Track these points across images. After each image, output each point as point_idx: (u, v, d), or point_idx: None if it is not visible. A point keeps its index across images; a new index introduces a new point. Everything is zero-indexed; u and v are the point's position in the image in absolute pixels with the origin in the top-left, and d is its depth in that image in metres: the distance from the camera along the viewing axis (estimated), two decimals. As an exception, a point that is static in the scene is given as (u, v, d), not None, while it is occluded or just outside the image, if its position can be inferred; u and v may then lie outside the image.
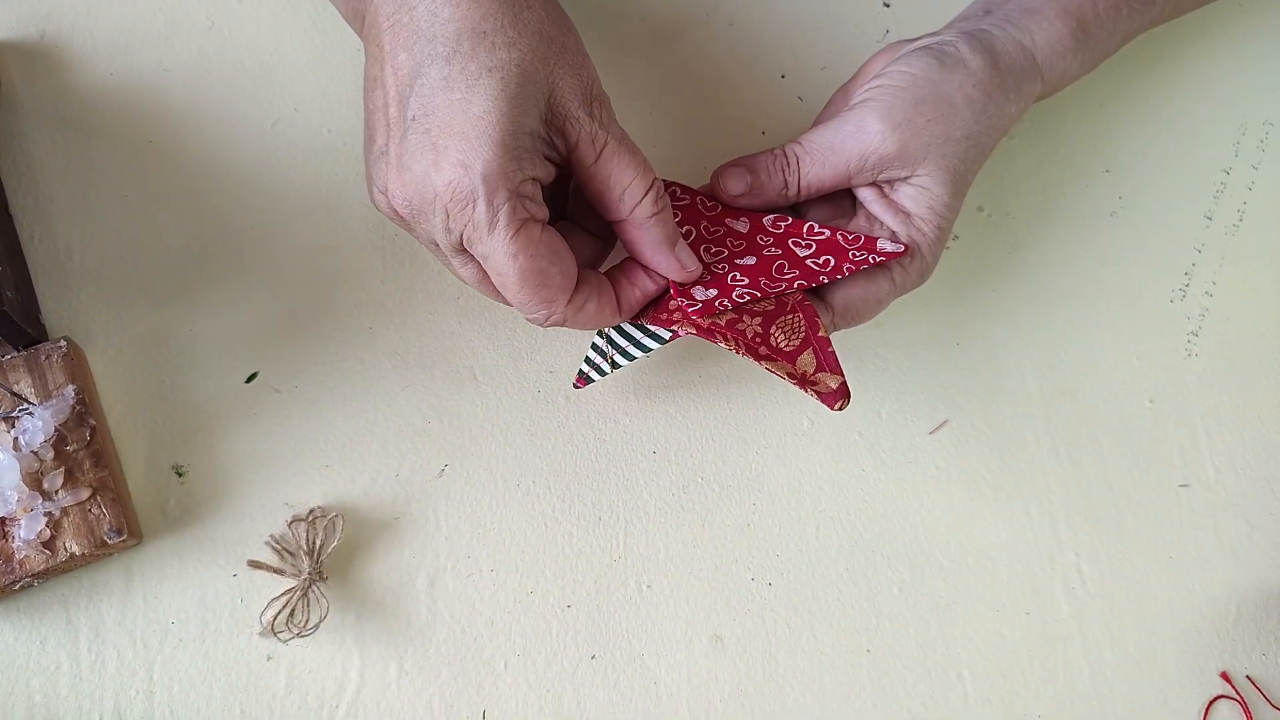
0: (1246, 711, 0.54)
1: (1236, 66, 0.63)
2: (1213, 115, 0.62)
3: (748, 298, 0.47)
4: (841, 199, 0.53)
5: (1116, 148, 0.61)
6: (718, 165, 0.52)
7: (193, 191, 0.55)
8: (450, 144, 0.41)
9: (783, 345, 0.47)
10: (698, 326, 0.47)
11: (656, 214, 0.46)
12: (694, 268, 0.48)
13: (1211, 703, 0.54)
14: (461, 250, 0.44)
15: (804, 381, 0.47)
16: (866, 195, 0.51)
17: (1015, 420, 0.57)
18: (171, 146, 0.55)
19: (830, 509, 0.55)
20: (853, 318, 0.50)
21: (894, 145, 0.49)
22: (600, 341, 0.50)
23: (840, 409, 0.46)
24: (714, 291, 0.48)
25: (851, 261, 0.49)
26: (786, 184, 0.51)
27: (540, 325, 0.46)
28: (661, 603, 0.52)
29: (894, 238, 0.50)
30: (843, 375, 0.47)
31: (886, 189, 0.51)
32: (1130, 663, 0.54)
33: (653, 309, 0.49)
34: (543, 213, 0.44)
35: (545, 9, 0.44)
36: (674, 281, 0.48)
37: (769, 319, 0.48)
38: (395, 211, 0.44)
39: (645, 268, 0.48)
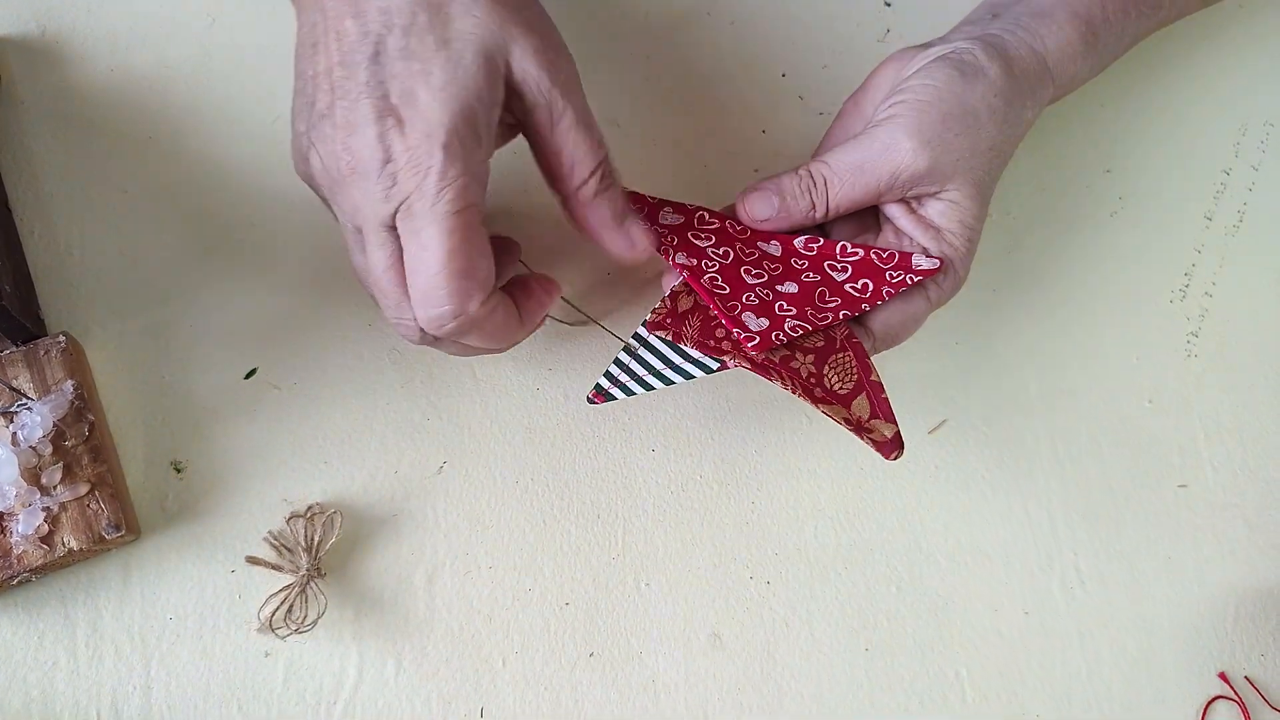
0: (1245, 712, 0.54)
1: (1237, 67, 0.63)
2: (1213, 116, 0.62)
3: (799, 331, 0.47)
4: (866, 215, 0.52)
5: (1117, 148, 0.61)
6: (719, 165, 0.52)
7: (193, 188, 0.55)
8: (412, 113, 0.40)
9: (837, 388, 0.47)
10: (753, 361, 0.46)
11: (604, 190, 0.45)
12: (644, 245, 0.47)
13: (1209, 703, 0.54)
14: (388, 227, 0.42)
15: (859, 429, 0.46)
16: (894, 211, 0.51)
17: (1014, 420, 0.57)
18: (172, 143, 0.55)
19: (829, 508, 0.54)
20: (892, 339, 0.50)
21: (925, 163, 0.48)
22: (626, 358, 0.48)
23: (895, 459, 0.45)
24: (765, 321, 0.47)
25: (890, 284, 0.48)
26: (814, 206, 0.50)
27: (434, 330, 0.43)
28: (660, 600, 0.52)
29: (926, 253, 0.49)
30: (896, 424, 0.46)
31: (915, 205, 0.50)
32: (1128, 662, 0.54)
33: (697, 333, 0.47)
34: (484, 205, 0.42)
35: None
36: (720, 306, 0.47)
37: (821, 357, 0.47)
38: (327, 174, 0.42)
39: (543, 288, 0.48)
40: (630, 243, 0.47)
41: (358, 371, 0.53)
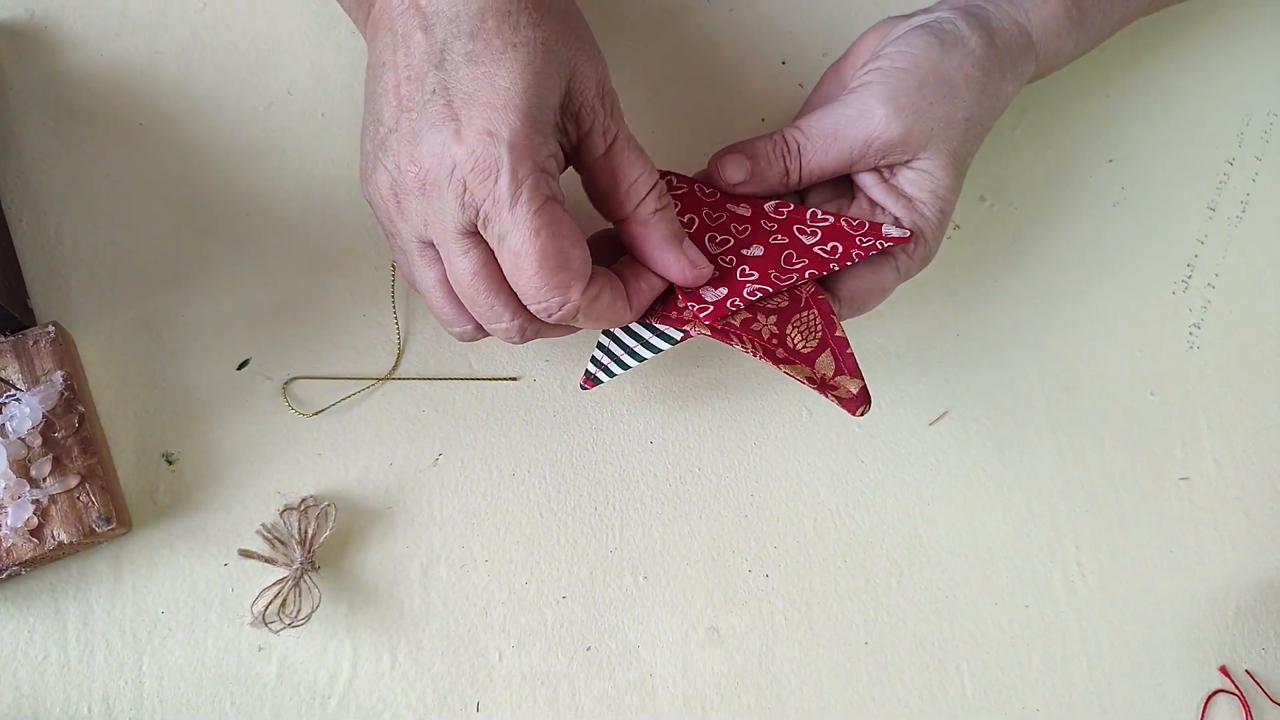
0: (1245, 706, 0.54)
1: (1240, 56, 0.63)
2: (1216, 105, 0.62)
3: (759, 294, 0.46)
4: (840, 183, 0.52)
5: (1119, 138, 0.61)
6: (716, 151, 0.51)
7: (184, 176, 0.54)
8: (474, 114, 0.40)
9: (800, 346, 0.46)
10: (711, 328, 0.46)
11: (661, 209, 0.45)
12: (705, 267, 0.46)
13: (1210, 697, 0.54)
14: (469, 234, 0.42)
15: (823, 386, 0.45)
16: (867, 180, 0.50)
17: (1016, 412, 0.56)
18: (163, 130, 0.54)
19: (828, 501, 0.54)
20: (859, 307, 0.50)
21: (898, 130, 0.48)
22: (606, 341, 0.48)
23: (861, 414, 0.45)
24: (724, 290, 0.47)
25: (859, 248, 0.48)
26: (788, 171, 0.50)
27: (548, 319, 0.43)
28: (658, 594, 0.52)
29: (897, 223, 0.49)
30: (863, 379, 0.45)
31: (887, 173, 0.50)
32: (1129, 656, 0.54)
33: (661, 308, 0.48)
34: (562, 194, 0.42)
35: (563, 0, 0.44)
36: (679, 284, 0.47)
37: (784, 317, 0.47)
38: (394, 191, 0.43)
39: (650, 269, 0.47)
40: (690, 263, 0.46)
41: (352, 362, 0.53)
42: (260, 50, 0.56)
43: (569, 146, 0.44)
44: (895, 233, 0.48)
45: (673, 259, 0.46)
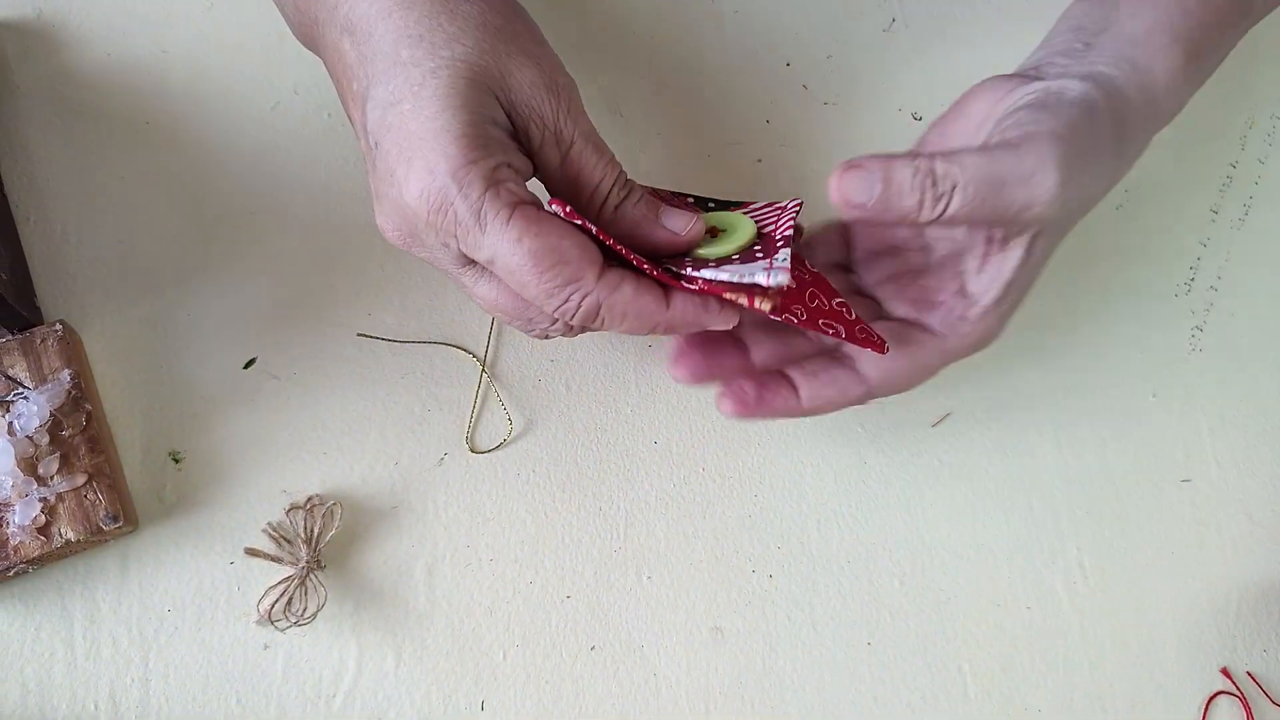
0: (1247, 707, 0.54)
1: (1244, 60, 0.62)
2: (1219, 109, 0.62)
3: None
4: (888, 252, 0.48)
5: (1123, 140, 0.61)
6: (721, 155, 0.50)
7: (191, 175, 0.54)
8: (411, 156, 0.38)
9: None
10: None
11: (625, 198, 0.43)
12: (684, 227, 0.43)
13: (1212, 698, 0.54)
14: (469, 263, 0.41)
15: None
16: (970, 241, 0.45)
17: (1018, 414, 0.56)
18: (170, 129, 0.55)
19: (832, 501, 0.54)
20: (893, 389, 0.46)
21: (1058, 209, 0.41)
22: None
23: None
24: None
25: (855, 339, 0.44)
26: (922, 207, 0.40)
27: (573, 321, 0.40)
28: (662, 594, 0.52)
29: (960, 309, 0.45)
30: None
31: (997, 247, 0.44)
32: (1131, 658, 0.54)
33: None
34: (530, 195, 0.40)
35: (486, 8, 0.41)
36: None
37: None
38: (399, 244, 0.42)
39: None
40: (670, 234, 0.43)
41: (357, 361, 0.53)
42: (267, 49, 0.56)
43: (527, 153, 0.42)
44: (875, 340, 0.44)
45: (655, 234, 0.43)
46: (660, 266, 0.42)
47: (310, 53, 0.56)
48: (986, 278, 0.45)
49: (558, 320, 0.42)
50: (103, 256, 0.52)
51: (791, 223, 0.45)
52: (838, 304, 0.45)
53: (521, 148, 0.42)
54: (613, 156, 0.43)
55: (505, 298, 0.42)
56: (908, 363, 0.46)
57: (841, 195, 0.40)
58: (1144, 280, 0.59)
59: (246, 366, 0.52)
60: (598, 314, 0.40)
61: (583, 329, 0.43)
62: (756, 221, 0.46)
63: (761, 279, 0.40)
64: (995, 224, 0.43)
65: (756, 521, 0.53)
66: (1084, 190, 0.43)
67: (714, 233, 0.45)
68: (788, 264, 0.41)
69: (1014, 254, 0.44)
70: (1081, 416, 0.57)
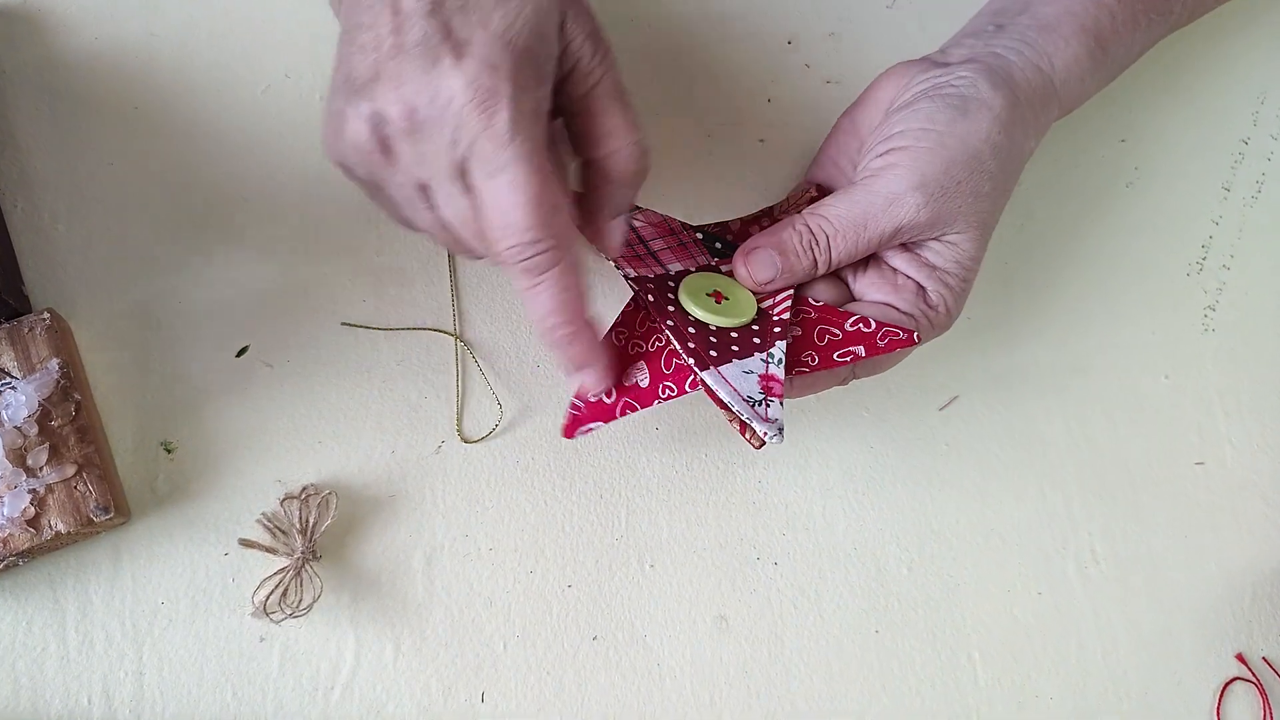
0: (1262, 693, 0.53)
1: (1255, 35, 0.62)
2: (1231, 83, 0.61)
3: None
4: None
5: (1133, 117, 0.60)
6: (722, 134, 0.50)
7: (181, 160, 0.53)
8: (473, 49, 0.39)
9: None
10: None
11: (647, 168, 0.45)
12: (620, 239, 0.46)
13: (1227, 685, 0.53)
14: (459, 175, 0.40)
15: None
16: (890, 254, 0.49)
17: (1027, 396, 0.55)
18: (159, 114, 0.54)
19: (838, 487, 0.53)
20: (872, 370, 0.49)
21: (927, 215, 0.46)
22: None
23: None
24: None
25: (875, 348, 0.47)
26: (816, 263, 0.48)
27: (523, 264, 0.41)
28: (665, 583, 0.51)
29: (921, 293, 0.48)
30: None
31: (912, 245, 0.49)
32: (1144, 644, 0.53)
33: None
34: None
35: None
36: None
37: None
38: (374, 140, 0.41)
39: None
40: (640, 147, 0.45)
41: (352, 349, 0.52)
42: (257, 33, 0.55)
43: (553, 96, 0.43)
44: (901, 335, 0.47)
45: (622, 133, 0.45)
46: (684, 344, 0.45)
47: (301, 37, 0.55)
48: (925, 270, 0.48)
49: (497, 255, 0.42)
50: (92, 244, 0.51)
51: (789, 296, 0.48)
52: (851, 325, 0.47)
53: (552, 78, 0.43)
54: (638, 116, 0.44)
55: (465, 226, 0.42)
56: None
57: (753, 278, 0.48)
58: (1155, 259, 0.58)
59: (239, 354, 0.51)
60: (546, 276, 0.41)
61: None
62: (754, 291, 0.48)
63: (758, 427, 0.43)
64: (884, 246, 0.48)
65: (761, 508, 0.53)
66: (975, 180, 0.47)
67: (718, 297, 0.47)
68: (782, 382, 0.45)
69: (936, 246, 0.48)
70: (1092, 399, 0.56)
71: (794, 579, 0.52)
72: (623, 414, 0.46)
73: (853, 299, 0.49)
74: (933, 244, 0.48)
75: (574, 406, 0.46)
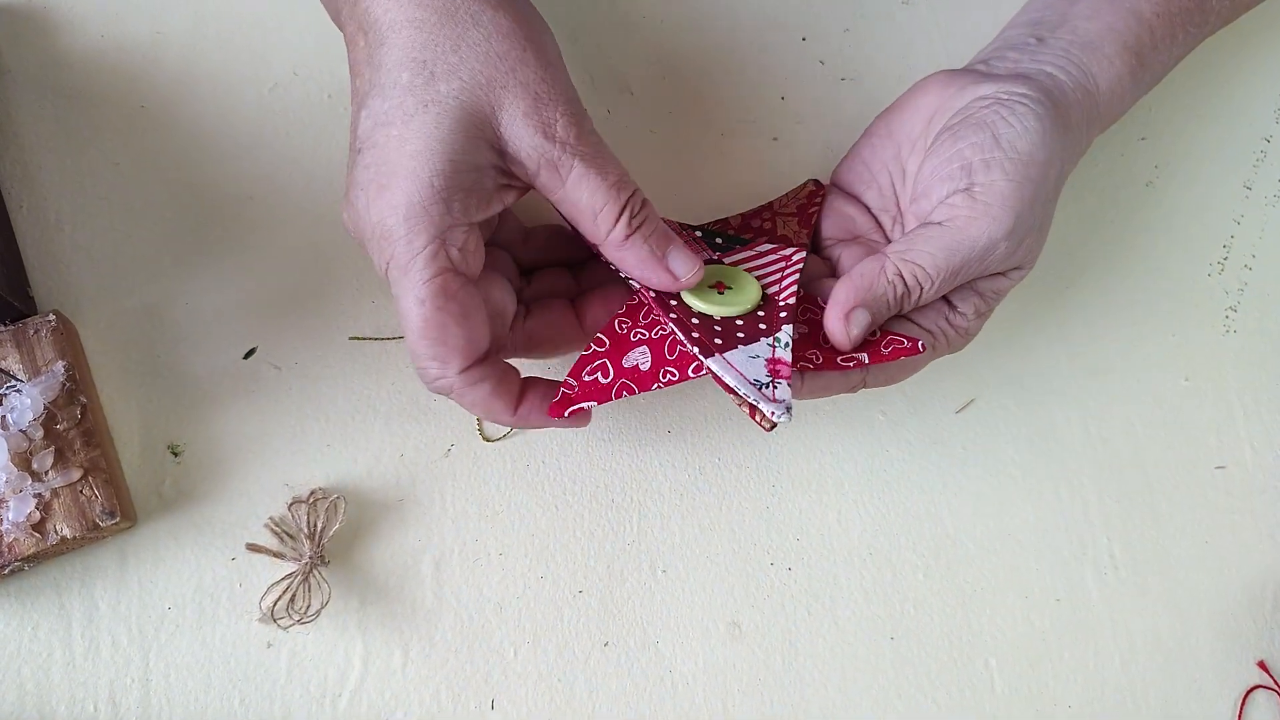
0: (1285, 702, 0.52)
1: (1277, 31, 0.61)
2: (1252, 81, 0.60)
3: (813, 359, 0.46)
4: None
5: (1153, 114, 0.59)
6: (736, 132, 0.49)
7: (188, 159, 0.52)
8: (389, 181, 0.40)
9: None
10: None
11: (635, 231, 0.42)
12: (690, 271, 0.44)
13: (1248, 693, 0.52)
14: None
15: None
16: None
17: (1045, 399, 0.55)
18: (166, 113, 0.53)
19: (852, 491, 0.52)
20: (884, 381, 0.47)
21: (1014, 261, 0.46)
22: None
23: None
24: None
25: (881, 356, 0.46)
26: (903, 306, 0.45)
27: (427, 384, 0.43)
28: (677, 588, 0.51)
29: (946, 315, 0.47)
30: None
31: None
32: (1163, 651, 0.52)
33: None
34: (470, 265, 0.41)
35: (496, 23, 0.41)
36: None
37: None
38: (357, 238, 0.43)
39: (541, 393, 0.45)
40: (673, 277, 0.44)
41: (361, 351, 0.51)
42: (265, 30, 0.54)
43: (522, 185, 0.43)
44: (905, 344, 0.45)
45: (657, 276, 0.43)
46: (687, 335, 0.44)
47: (309, 35, 0.54)
48: (974, 296, 0.47)
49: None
50: (97, 244, 0.51)
51: (795, 282, 0.47)
52: None
53: (515, 176, 0.42)
54: (622, 178, 0.42)
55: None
56: (897, 367, 0.47)
57: (850, 340, 0.44)
58: (1175, 260, 0.57)
59: (246, 356, 0.51)
60: (450, 395, 0.43)
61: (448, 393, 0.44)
62: (761, 278, 0.47)
63: (765, 408, 0.42)
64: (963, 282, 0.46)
65: (774, 513, 0.52)
66: (1044, 220, 0.46)
67: (720, 287, 0.46)
68: (789, 364, 0.43)
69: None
70: (1111, 401, 0.55)
71: (808, 585, 0.51)
72: (618, 395, 0.44)
73: None
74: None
75: (566, 385, 0.45)
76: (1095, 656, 0.52)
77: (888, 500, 0.53)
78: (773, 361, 0.44)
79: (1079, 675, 0.52)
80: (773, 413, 0.42)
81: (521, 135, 0.41)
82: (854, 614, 0.51)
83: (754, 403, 0.42)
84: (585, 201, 0.42)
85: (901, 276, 0.44)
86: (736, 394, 0.43)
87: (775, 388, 0.43)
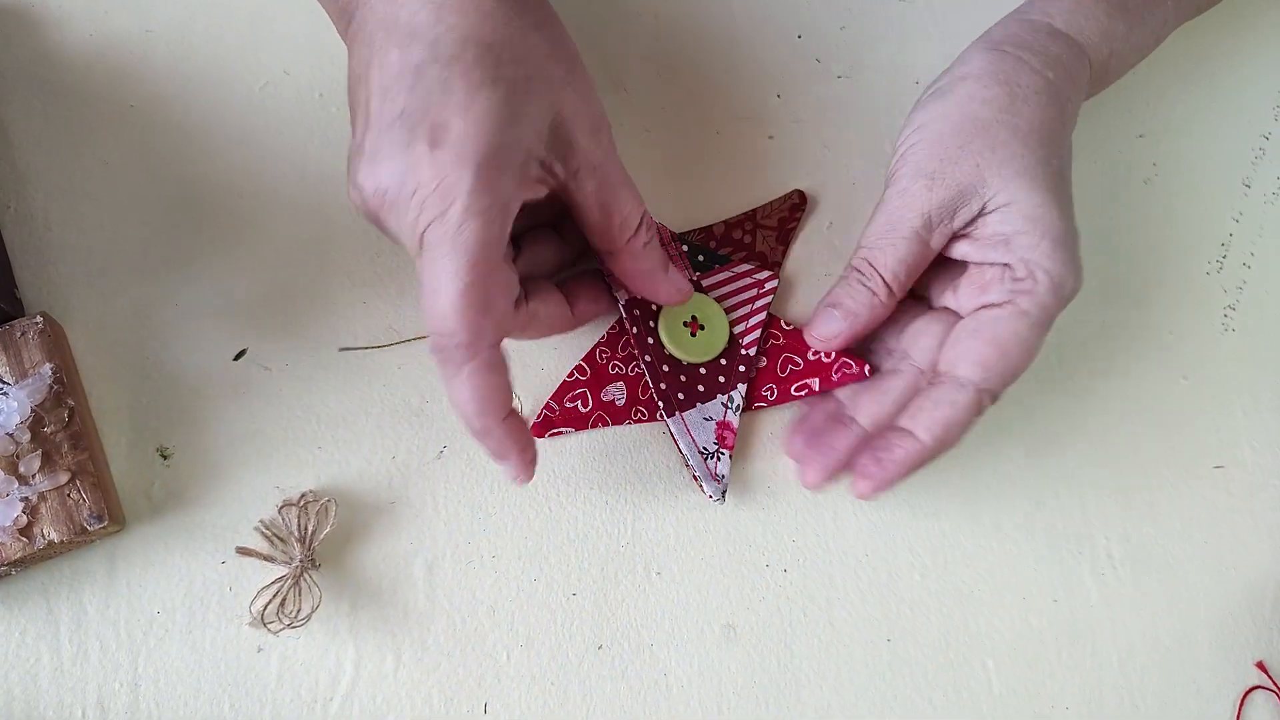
0: (1284, 703, 0.52)
1: (1276, 27, 0.60)
2: (1251, 77, 0.60)
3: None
4: (949, 266, 0.49)
5: (1151, 111, 0.58)
6: (731, 131, 0.49)
7: (177, 158, 0.52)
8: (445, 139, 0.39)
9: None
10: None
11: (650, 241, 0.46)
12: (686, 288, 0.48)
13: (1247, 694, 0.52)
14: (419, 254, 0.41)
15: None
16: (962, 250, 0.48)
17: (1042, 397, 0.54)
18: (155, 111, 0.53)
19: (848, 491, 0.52)
20: (1005, 376, 0.46)
21: (944, 190, 0.46)
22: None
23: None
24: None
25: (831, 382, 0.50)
26: (875, 293, 0.47)
27: (445, 357, 0.40)
28: (672, 590, 0.50)
29: (1009, 273, 0.46)
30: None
31: (975, 231, 0.47)
32: (1162, 652, 0.52)
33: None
34: (506, 247, 0.41)
35: (553, 36, 0.43)
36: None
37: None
38: (366, 205, 0.41)
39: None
40: (676, 289, 0.48)
41: (352, 352, 0.51)
42: (255, 28, 0.54)
43: (555, 183, 0.43)
44: (854, 369, 0.50)
45: (661, 286, 0.47)
46: (656, 384, 0.50)
47: (300, 32, 0.54)
48: (999, 246, 0.46)
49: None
50: (86, 245, 0.50)
51: (763, 310, 0.51)
52: (812, 354, 0.51)
53: (554, 173, 0.43)
54: (639, 195, 0.45)
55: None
56: (994, 348, 0.45)
57: (820, 339, 0.50)
58: (1173, 257, 0.57)
59: (237, 358, 0.50)
60: (459, 378, 0.41)
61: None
62: (733, 308, 0.51)
63: (706, 488, 0.49)
64: (933, 239, 0.47)
65: (770, 513, 0.51)
66: (983, 136, 0.46)
67: (694, 327, 0.51)
68: (735, 432, 0.50)
69: (995, 216, 0.46)
70: (1109, 400, 0.55)
71: (804, 586, 0.51)
72: (593, 426, 0.50)
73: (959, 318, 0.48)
74: (987, 217, 0.46)
75: (549, 408, 0.50)
76: (1093, 657, 0.52)
77: (883, 501, 0.52)
78: (722, 426, 0.50)
79: (1077, 676, 0.51)
80: (710, 493, 0.49)
81: (575, 133, 0.42)
82: (850, 615, 0.51)
83: (697, 476, 0.49)
84: (613, 205, 0.44)
85: (852, 265, 0.48)
86: (686, 461, 0.49)
87: (718, 460, 0.49)
